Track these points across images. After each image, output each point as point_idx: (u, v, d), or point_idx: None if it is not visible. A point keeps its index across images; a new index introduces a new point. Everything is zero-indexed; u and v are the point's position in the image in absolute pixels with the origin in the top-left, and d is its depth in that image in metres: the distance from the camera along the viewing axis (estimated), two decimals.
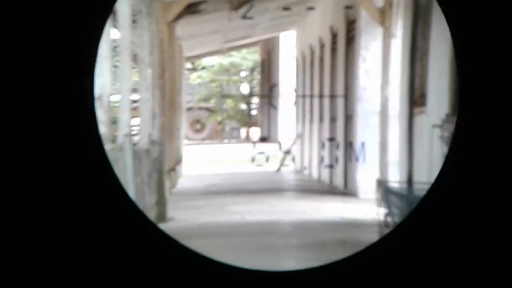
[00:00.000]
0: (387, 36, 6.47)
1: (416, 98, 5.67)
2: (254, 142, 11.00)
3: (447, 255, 2.18)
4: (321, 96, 9.04)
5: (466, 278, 2.16)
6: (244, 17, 8.35)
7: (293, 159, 10.67)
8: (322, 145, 8.99)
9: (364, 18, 7.03)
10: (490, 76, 2.18)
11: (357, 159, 6.89)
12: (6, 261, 2.09)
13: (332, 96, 8.42)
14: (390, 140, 6.39)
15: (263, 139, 16.55)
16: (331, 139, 8.41)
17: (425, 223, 2.21)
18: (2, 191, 2.12)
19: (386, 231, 4.33)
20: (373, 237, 4.43)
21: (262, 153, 10.53)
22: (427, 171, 4.82)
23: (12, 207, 2.12)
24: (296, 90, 11.60)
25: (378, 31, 6.74)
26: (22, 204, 2.13)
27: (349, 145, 7.54)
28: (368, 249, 2.31)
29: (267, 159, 10.59)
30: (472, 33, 2.18)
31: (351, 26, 7.72)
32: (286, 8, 8.93)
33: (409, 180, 5.34)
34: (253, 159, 10.61)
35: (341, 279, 2.19)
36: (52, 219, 2.14)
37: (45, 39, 2.15)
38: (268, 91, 16.14)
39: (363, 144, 6.85)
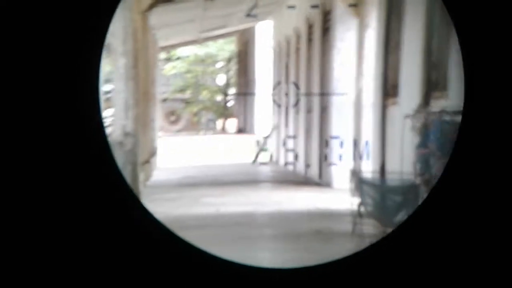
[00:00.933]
0: (362, 28, 6.50)
1: (389, 89, 5.73)
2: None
3: (448, 254, 2.19)
4: (297, 86, 9.02)
5: (467, 278, 2.17)
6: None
7: (271, 157, 10.56)
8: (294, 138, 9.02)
9: (340, 9, 7.05)
10: (494, 75, 2.19)
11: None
12: (8, 259, 2.08)
13: (308, 94, 8.43)
14: (364, 131, 6.45)
15: (239, 131, 16.52)
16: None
17: (427, 223, 2.22)
18: (4, 186, 2.10)
19: (359, 220, 4.38)
20: (347, 227, 4.48)
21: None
22: (399, 161, 4.89)
23: (14, 202, 2.11)
24: (273, 82, 11.57)
25: (353, 23, 6.76)
26: (25, 198, 2.12)
27: (323, 137, 7.59)
28: (368, 248, 2.33)
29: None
30: (477, 33, 2.19)
31: (326, 17, 7.74)
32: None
33: (382, 170, 5.41)
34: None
35: (340, 278, 2.20)
36: (55, 214, 2.14)
37: (50, 34, 2.13)
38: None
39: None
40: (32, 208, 2.12)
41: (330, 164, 7.18)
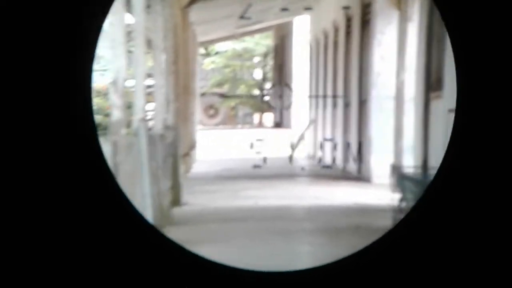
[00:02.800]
0: (403, 20, 6.37)
1: (432, 82, 5.60)
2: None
3: (450, 249, 2.16)
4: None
5: (469, 271, 2.14)
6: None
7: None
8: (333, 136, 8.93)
9: (380, 2, 6.92)
10: (489, 72, 2.15)
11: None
12: (3, 261, 2.08)
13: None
14: (405, 125, 6.34)
15: (276, 125, 16.51)
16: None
17: (427, 220, 2.19)
18: None
19: (400, 216, 4.32)
20: (387, 222, 4.42)
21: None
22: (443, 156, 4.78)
23: (7, 203, 2.10)
24: (310, 77, 11.49)
25: (394, 15, 6.63)
26: (17, 200, 2.11)
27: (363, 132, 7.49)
28: (368, 247, 2.28)
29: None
30: (470, 32, 2.15)
31: (366, 10, 7.61)
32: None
33: (424, 165, 5.30)
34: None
35: (340, 280, 2.17)
36: (47, 215, 2.12)
37: (43, 31, 2.13)
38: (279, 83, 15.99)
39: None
40: (23, 209, 2.10)
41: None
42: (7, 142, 2.11)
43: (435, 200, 2.20)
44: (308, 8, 10.40)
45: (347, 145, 8.14)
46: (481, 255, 2.14)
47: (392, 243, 2.22)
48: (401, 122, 6.45)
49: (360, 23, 7.88)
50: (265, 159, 9.54)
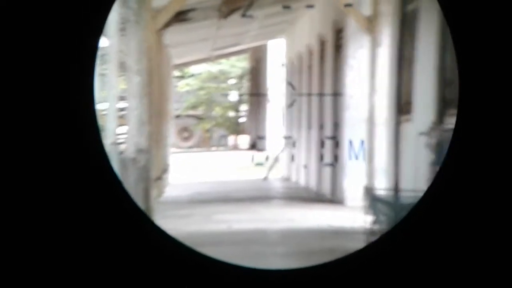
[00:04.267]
0: (374, 45, 6.52)
1: (402, 105, 5.71)
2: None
3: (441, 258, 2.17)
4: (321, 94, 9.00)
5: (464, 278, 2.14)
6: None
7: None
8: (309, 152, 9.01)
9: (352, 27, 7.08)
10: (490, 77, 2.18)
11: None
12: (5, 260, 2.07)
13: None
14: (377, 148, 6.42)
15: (252, 147, 16.54)
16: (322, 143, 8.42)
17: (419, 228, 2.21)
18: (1, 189, 2.09)
19: (372, 239, 4.34)
20: (360, 245, 4.43)
21: (260, 164, 10.48)
22: (414, 179, 4.85)
23: (10, 205, 2.10)
24: (286, 99, 11.61)
25: (366, 40, 6.79)
26: (20, 202, 2.11)
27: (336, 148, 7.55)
28: (366, 248, 2.31)
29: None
30: (472, 35, 2.18)
31: (339, 35, 7.77)
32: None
33: (396, 188, 5.37)
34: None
35: (339, 278, 2.18)
36: (52, 217, 2.13)
37: (46, 39, 2.13)
38: (256, 97, 16.10)
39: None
40: (26, 210, 2.10)
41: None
42: (10, 143, 2.09)
43: (433, 203, 2.20)
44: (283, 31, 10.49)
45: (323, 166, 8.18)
46: (478, 259, 2.15)
47: (390, 244, 2.23)
48: (373, 145, 6.54)
49: (333, 48, 8.03)
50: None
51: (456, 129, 2.28)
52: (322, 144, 8.45)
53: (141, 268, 2.14)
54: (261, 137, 10.70)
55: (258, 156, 10.75)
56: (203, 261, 2.25)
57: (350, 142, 6.88)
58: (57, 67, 2.16)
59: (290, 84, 9.07)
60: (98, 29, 2.23)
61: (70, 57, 2.16)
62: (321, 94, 8.49)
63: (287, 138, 11.02)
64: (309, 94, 9.10)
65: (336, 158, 7.62)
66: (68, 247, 2.11)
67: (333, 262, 2.29)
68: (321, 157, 8.39)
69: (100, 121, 3.98)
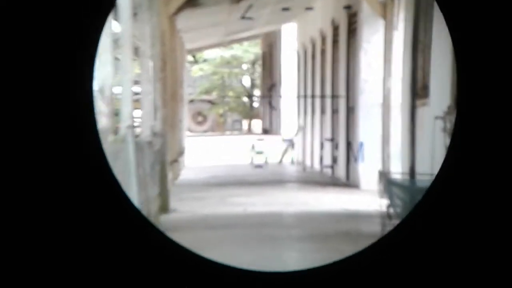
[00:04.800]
0: (389, 29, 6.45)
1: (418, 90, 5.67)
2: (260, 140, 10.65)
3: (449, 251, 2.17)
4: (322, 96, 9.00)
5: (468, 274, 2.16)
6: (243, 17, 8.30)
7: (266, 159, 10.22)
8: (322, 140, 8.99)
9: (366, 11, 7.00)
10: (489, 71, 2.18)
11: (355, 159, 6.87)
12: (3, 261, 2.08)
13: (334, 96, 8.38)
14: (392, 132, 6.39)
15: (265, 131, 16.54)
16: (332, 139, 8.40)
17: (426, 221, 2.21)
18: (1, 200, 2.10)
19: (388, 222, 4.35)
20: (375, 228, 4.45)
21: (260, 153, 10.50)
22: (429, 163, 4.83)
23: (8, 204, 2.11)
24: (298, 84, 11.57)
25: (380, 24, 6.71)
26: (18, 200, 2.11)
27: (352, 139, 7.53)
28: (368, 248, 2.30)
29: (266, 159, 10.53)
30: (471, 31, 2.18)
31: (352, 19, 7.69)
32: (285, 9, 8.86)
33: (412, 172, 5.35)
34: (252, 146, 10.57)
35: (339, 280, 2.19)
36: (48, 216, 2.13)
37: (45, 33, 2.14)
38: (268, 91, 16.06)
39: (361, 144, 6.82)
40: (24, 209, 2.10)
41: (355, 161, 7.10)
42: (11, 142, 2.10)
43: (434, 203, 2.21)
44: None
45: (340, 147, 8.16)
46: (479, 258, 2.15)
47: (391, 244, 2.23)
48: (388, 129, 6.51)
49: (346, 32, 7.95)
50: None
51: (456, 128, 2.27)
52: (335, 129, 8.43)
53: (140, 270, 2.15)
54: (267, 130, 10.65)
55: (259, 144, 10.76)
56: (203, 263, 2.25)
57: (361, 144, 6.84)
58: (57, 66, 2.15)
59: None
60: (98, 28, 2.22)
61: (68, 58, 2.14)
62: (313, 96, 8.41)
63: (301, 123, 11.01)
64: (322, 85, 9.05)
65: (349, 144, 7.60)
66: (65, 248, 2.11)
67: (333, 263, 2.28)
68: (335, 144, 8.36)
69: (116, 105, 4.01)
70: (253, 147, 10.68)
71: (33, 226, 2.13)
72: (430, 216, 2.21)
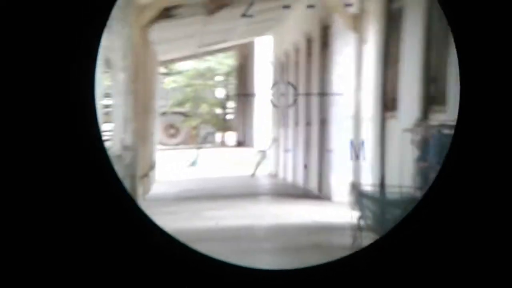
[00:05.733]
0: (360, 42, 6.55)
1: (387, 102, 5.76)
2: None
3: (448, 253, 2.18)
4: (295, 100, 9.07)
5: (465, 277, 2.16)
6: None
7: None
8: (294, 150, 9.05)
9: (338, 24, 7.11)
10: (490, 78, 2.19)
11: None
12: (3, 260, 2.06)
13: (307, 108, 8.43)
14: (364, 144, 6.46)
15: (239, 144, 16.54)
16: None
17: (421, 226, 2.22)
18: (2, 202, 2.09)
19: (359, 234, 4.37)
20: (346, 240, 4.47)
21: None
22: (399, 175, 4.89)
23: (8, 204, 2.09)
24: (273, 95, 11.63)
25: (351, 37, 6.82)
26: (19, 201, 2.10)
27: (323, 149, 7.59)
28: (366, 248, 2.32)
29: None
30: (474, 35, 2.18)
31: (325, 32, 7.80)
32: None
33: (382, 184, 5.41)
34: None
35: (338, 279, 2.19)
36: (51, 217, 2.12)
37: (45, 35, 2.12)
38: (241, 102, 16.11)
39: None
40: (26, 210, 2.10)
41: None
42: (12, 145, 2.08)
43: (432, 207, 2.21)
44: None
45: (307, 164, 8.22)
46: (477, 262, 2.16)
47: (389, 245, 2.24)
48: (359, 141, 6.58)
49: (319, 45, 8.06)
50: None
51: (457, 128, 2.28)
52: (308, 143, 8.48)
53: (141, 267, 2.15)
54: (242, 142, 10.72)
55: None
56: (203, 260, 2.26)
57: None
58: (58, 65, 2.15)
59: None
60: (99, 27, 2.21)
61: (71, 55, 2.15)
62: (307, 94, 8.53)
63: (275, 135, 11.05)
64: (296, 94, 9.13)
65: (322, 156, 7.65)
66: (67, 248, 2.11)
67: (332, 263, 2.30)
68: (307, 156, 8.42)
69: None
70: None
71: (35, 227, 2.10)
72: (427, 218, 2.21)
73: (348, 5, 6.55)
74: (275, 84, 10.56)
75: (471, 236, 2.20)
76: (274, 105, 10.49)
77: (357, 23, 6.58)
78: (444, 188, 2.23)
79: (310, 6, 8.06)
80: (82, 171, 2.13)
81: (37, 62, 2.14)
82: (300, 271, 2.27)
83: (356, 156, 6.87)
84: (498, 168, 2.19)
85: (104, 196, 2.17)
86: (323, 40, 7.91)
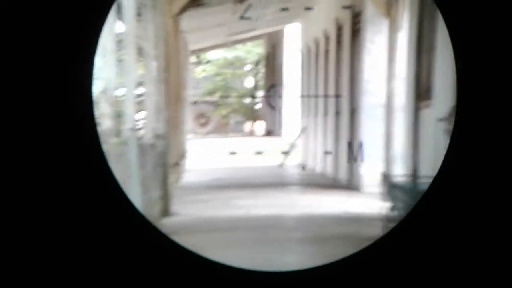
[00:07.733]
0: (393, 29, 6.42)
1: (421, 91, 5.64)
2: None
3: (448, 251, 2.17)
4: (325, 96, 8.99)
5: (467, 274, 2.15)
6: (242, 17, 8.30)
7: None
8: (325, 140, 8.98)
9: (370, 11, 6.97)
10: (489, 72, 2.17)
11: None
12: (4, 261, 2.09)
13: (337, 96, 8.36)
14: (395, 134, 6.37)
15: (268, 133, 16.53)
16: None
17: (426, 221, 2.21)
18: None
19: (390, 225, 4.32)
20: (377, 231, 4.43)
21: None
22: (432, 165, 4.81)
23: (9, 205, 2.11)
24: (301, 84, 11.55)
25: (384, 24, 6.68)
26: (17, 201, 2.12)
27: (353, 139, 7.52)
28: (368, 248, 2.30)
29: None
30: (471, 33, 2.17)
31: (356, 19, 7.67)
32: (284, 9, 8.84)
33: (414, 174, 5.33)
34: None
35: (339, 279, 2.19)
36: (48, 217, 2.14)
37: (44, 34, 2.14)
38: (268, 91, 16.08)
39: (361, 144, 6.79)
40: (24, 210, 2.11)
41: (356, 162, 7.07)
42: (11, 144, 2.11)
43: (432, 204, 2.21)
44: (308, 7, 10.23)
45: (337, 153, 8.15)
46: (479, 259, 2.15)
47: (391, 244, 2.23)
48: (391, 131, 6.48)
49: (350, 32, 7.92)
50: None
51: (456, 127, 2.25)
52: (337, 133, 8.40)
53: (142, 271, 2.15)
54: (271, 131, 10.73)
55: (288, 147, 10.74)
56: (204, 264, 2.25)
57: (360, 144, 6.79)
58: (56, 65, 2.16)
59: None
60: (97, 28, 2.22)
61: (68, 58, 2.15)
62: (320, 96, 8.41)
63: (304, 125, 10.98)
64: (325, 85, 9.03)
65: (351, 146, 7.58)
66: (67, 250, 2.11)
67: (332, 263, 2.28)
68: (337, 146, 8.34)
69: (119, 107, 4.00)
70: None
71: (35, 228, 2.13)
72: (429, 216, 2.21)
73: None
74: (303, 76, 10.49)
75: (476, 230, 2.16)
76: (302, 96, 10.45)
77: (389, 9, 6.44)
78: (445, 182, 2.21)
79: None
80: (80, 171, 2.13)
81: (37, 62, 2.13)
82: (302, 272, 2.25)
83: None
84: (498, 165, 2.14)
85: (102, 196, 2.16)
86: (354, 28, 7.78)
